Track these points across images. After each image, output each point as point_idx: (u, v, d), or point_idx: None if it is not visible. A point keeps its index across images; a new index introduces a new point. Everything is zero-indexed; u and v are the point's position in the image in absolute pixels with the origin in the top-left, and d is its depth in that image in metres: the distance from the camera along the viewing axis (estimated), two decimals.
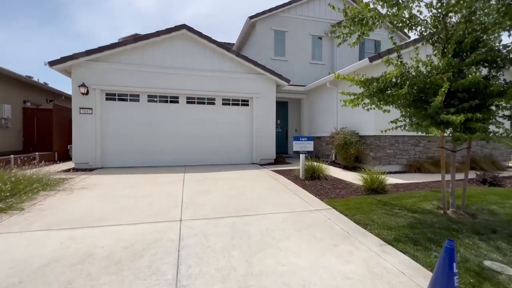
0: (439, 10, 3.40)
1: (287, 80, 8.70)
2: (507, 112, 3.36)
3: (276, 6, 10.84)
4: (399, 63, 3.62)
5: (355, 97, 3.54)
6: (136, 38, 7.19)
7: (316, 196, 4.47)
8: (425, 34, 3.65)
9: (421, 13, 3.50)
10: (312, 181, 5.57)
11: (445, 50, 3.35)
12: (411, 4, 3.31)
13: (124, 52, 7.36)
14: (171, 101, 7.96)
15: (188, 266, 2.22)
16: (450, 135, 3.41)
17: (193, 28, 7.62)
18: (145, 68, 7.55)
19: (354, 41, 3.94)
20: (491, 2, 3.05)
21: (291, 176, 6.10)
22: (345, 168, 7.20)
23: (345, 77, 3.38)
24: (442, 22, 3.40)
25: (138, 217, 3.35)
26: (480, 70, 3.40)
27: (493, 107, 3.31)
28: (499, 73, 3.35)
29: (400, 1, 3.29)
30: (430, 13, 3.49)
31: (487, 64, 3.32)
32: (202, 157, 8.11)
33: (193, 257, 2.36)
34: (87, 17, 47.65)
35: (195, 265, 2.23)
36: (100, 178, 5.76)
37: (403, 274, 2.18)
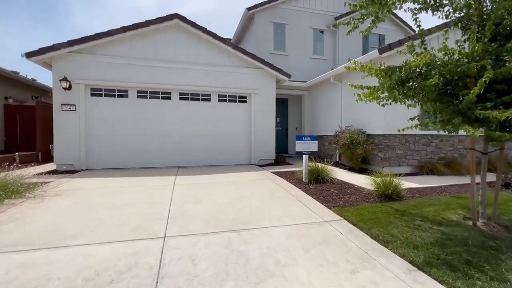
0: None
1: (288, 75, 8.14)
2: None
3: None
4: (423, 50, 3.09)
5: (372, 90, 3.00)
6: (124, 28, 6.58)
7: (323, 204, 3.94)
8: (453, 16, 3.12)
9: None
10: (316, 184, 5.05)
11: (480, 34, 2.82)
12: None
13: (111, 44, 6.75)
14: (162, 98, 7.37)
15: None
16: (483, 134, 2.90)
17: (186, 18, 7.02)
18: (134, 61, 6.95)
19: (369, 24, 3.39)
20: None
21: (293, 179, 5.57)
22: (351, 169, 6.68)
23: (363, 66, 2.83)
24: (476, 0, 2.86)
25: (114, 233, 2.80)
26: None
27: None
28: None
29: None
30: None
31: None
32: (197, 157, 7.54)
33: None
34: (84, 14, 46.62)
35: None
36: (81, 182, 5.18)
37: None
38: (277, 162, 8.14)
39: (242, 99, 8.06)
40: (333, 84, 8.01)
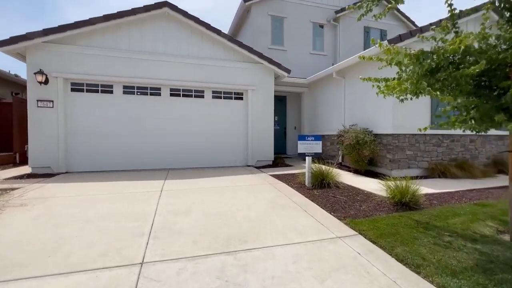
0: None
1: (288, 70, 7.60)
2: None
3: None
4: (453, 35, 2.59)
5: (398, 80, 2.48)
6: (106, 16, 5.94)
7: (331, 213, 3.43)
8: None
9: None
10: (321, 190, 4.54)
11: None
12: None
13: (94, 33, 6.11)
14: (151, 93, 6.76)
15: None
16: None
17: (176, 6, 6.42)
18: (120, 54, 6.32)
19: (388, 6, 2.88)
20: None
21: (295, 183, 5.05)
22: (356, 172, 6.19)
23: (388, 49, 2.32)
24: None
25: (77, 258, 2.22)
26: None
27: None
28: None
29: None
30: None
31: None
32: (189, 159, 6.96)
33: None
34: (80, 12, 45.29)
35: None
36: (55, 188, 4.56)
37: None
38: (276, 163, 7.61)
39: (239, 96, 7.50)
40: (336, 80, 7.51)
